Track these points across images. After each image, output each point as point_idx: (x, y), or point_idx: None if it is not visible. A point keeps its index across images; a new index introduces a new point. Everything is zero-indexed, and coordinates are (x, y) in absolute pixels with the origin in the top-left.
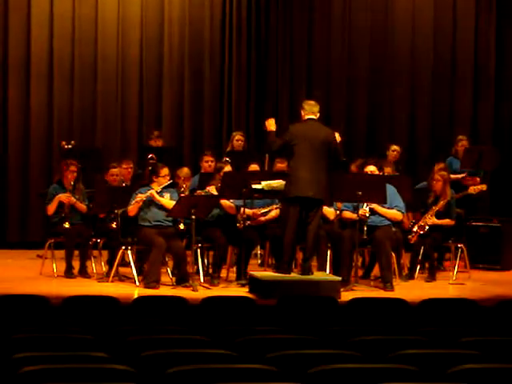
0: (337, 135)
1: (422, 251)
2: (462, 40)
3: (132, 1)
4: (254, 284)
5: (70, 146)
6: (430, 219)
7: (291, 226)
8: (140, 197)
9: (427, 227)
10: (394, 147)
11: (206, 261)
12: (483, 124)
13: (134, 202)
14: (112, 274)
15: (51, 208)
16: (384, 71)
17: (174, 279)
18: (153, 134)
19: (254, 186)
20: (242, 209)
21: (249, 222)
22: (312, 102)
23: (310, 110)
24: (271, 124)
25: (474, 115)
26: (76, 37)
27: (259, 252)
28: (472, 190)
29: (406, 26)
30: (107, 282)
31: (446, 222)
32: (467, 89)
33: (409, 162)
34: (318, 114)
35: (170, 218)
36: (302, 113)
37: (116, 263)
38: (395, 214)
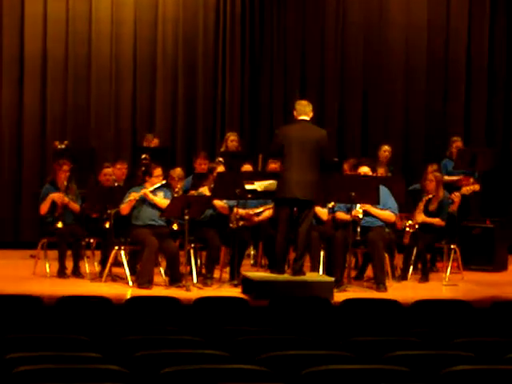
0: None
1: (414, 252)
2: (455, 39)
3: (125, 1)
4: (247, 284)
5: (63, 146)
6: (419, 216)
7: (281, 226)
8: (133, 195)
9: (417, 225)
10: (386, 147)
11: (199, 261)
12: (476, 124)
13: (127, 200)
14: (105, 274)
15: (44, 207)
16: (378, 71)
17: (167, 279)
18: (148, 138)
19: (247, 187)
20: (235, 209)
21: (242, 223)
22: (304, 102)
23: (303, 111)
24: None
25: (467, 115)
26: (70, 36)
27: (252, 252)
28: (465, 190)
29: (400, 26)
30: (100, 282)
31: (436, 221)
32: (461, 88)
33: (402, 163)
34: (311, 114)
35: (163, 218)
36: (295, 113)
37: (109, 263)
38: (388, 215)
